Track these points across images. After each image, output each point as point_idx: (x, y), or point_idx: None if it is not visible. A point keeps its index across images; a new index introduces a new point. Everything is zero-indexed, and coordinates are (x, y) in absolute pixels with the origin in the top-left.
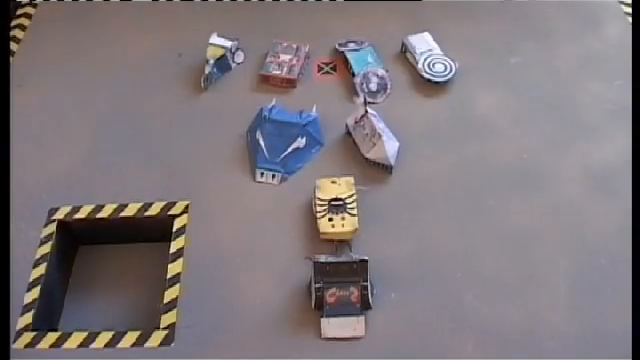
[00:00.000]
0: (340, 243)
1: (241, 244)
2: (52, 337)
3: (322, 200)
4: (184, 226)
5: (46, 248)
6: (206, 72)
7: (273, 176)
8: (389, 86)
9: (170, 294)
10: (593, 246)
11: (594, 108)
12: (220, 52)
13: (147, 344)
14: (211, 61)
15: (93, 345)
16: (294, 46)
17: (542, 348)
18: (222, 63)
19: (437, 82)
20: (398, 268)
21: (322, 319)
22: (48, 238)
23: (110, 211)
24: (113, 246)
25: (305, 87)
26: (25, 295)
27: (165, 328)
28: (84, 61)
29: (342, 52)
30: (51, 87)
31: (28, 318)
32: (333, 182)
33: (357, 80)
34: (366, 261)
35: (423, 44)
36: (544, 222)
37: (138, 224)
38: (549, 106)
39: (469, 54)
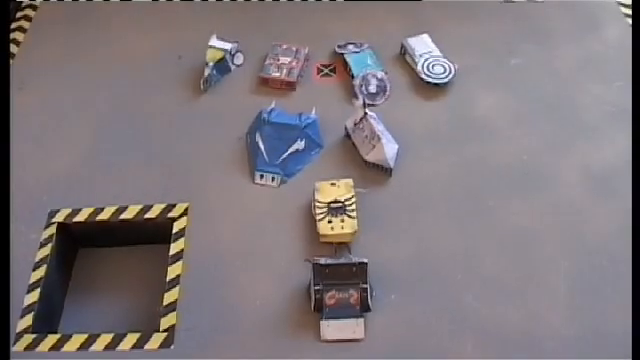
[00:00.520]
0: (339, 245)
1: (241, 246)
2: (52, 339)
3: (321, 202)
4: (184, 228)
5: (46, 250)
6: (205, 74)
7: (272, 178)
8: (388, 88)
9: (170, 296)
10: (593, 246)
11: (594, 109)
12: (220, 54)
13: (147, 346)
14: (210, 63)
15: (93, 347)
16: (293, 48)
17: (542, 349)
18: (222, 65)
19: (436, 84)
20: (398, 270)
21: (322, 321)
22: (48, 240)
23: (110, 213)
24: (113, 248)
25: (304, 89)
26: (25, 297)
27: (165, 330)
28: (84, 63)
29: (341, 54)
30: (51, 89)
31: (28, 320)
32: (332, 184)
33: (356, 82)
34: (365, 263)
35: (422, 46)
36: (544, 223)
37: (138, 226)
38: (549, 107)
39: (469, 55)
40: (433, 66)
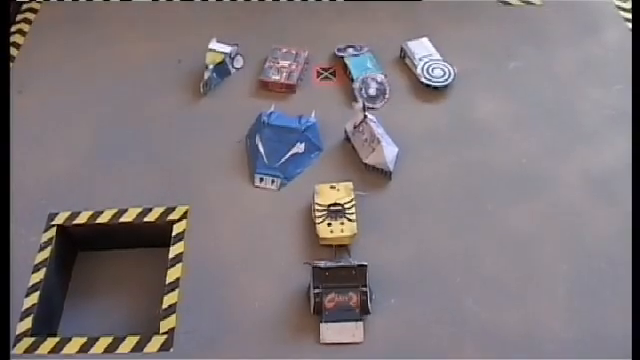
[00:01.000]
0: (339, 248)
1: (240, 249)
2: (51, 342)
3: (321, 205)
4: (183, 231)
5: (45, 253)
6: (205, 77)
7: (272, 181)
8: (388, 91)
9: (169, 299)
10: (592, 249)
11: (593, 112)
12: (219, 57)
13: (146, 349)
14: (210, 66)
15: (92, 350)
16: (293, 52)
17: (542, 351)
18: (221, 68)
19: (436, 87)
20: (397, 273)
21: (321, 324)
22: (47, 243)
23: (109, 216)
24: (112, 251)
25: (304, 92)
26: (24, 300)
27: (164, 333)
28: (84, 66)
29: (341, 57)
30: (51, 92)
31: (27, 323)
32: (332, 187)
33: (356, 85)
34: (365, 266)
35: (422, 49)
36: (543, 226)
37: (137, 229)
38: (548, 110)
39: (468, 59)
40: (433, 69)
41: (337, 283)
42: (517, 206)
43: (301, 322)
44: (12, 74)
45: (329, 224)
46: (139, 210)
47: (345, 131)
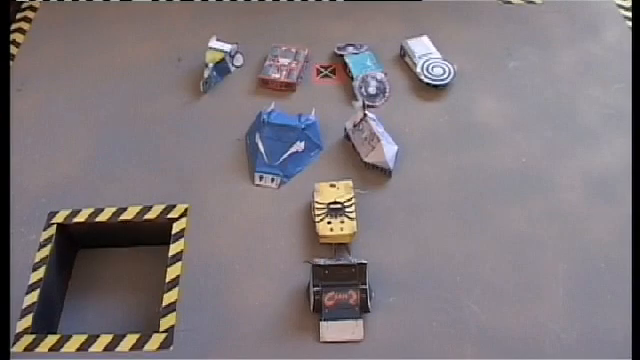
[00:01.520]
0: (339, 247)
1: (240, 247)
2: (51, 340)
3: (321, 204)
4: (183, 229)
5: (45, 251)
6: (205, 76)
7: (272, 180)
8: (388, 90)
9: (169, 297)
10: (592, 250)
11: (593, 113)
12: (219, 56)
13: (146, 347)
14: (210, 65)
15: (92, 348)
16: (293, 50)
17: (541, 352)
18: (221, 67)
19: (436, 86)
20: (397, 272)
21: (321, 322)
22: (47, 241)
23: (109, 214)
24: (112, 249)
25: (304, 91)
26: (24, 298)
27: (164, 331)
28: (84, 65)
29: (341, 56)
30: (51, 91)
31: (27, 321)
32: (332, 186)
33: (356, 84)
34: (365, 264)
35: (422, 48)
36: (543, 227)
37: (137, 227)
38: (548, 111)
39: (468, 58)
40: (433, 68)
41: (337, 281)
42: (517, 206)
43: (301, 320)
44: (12, 72)
45: (329, 222)
46: (139, 208)
47: (345, 129)
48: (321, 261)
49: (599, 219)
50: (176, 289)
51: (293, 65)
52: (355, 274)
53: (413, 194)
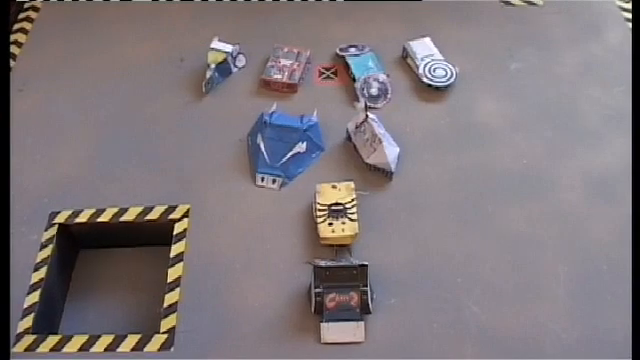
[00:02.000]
0: (340, 248)
1: (241, 248)
2: (52, 340)
3: (322, 205)
4: (184, 230)
5: (47, 252)
6: (207, 76)
7: (274, 181)
8: (390, 91)
9: (170, 298)
10: (593, 251)
11: (594, 114)
12: (221, 57)
13: (147, 348)
14: (212, 65)
15: (93, 349)
16: (295, 51)
17: (542, 353)
18: (223, 67)
19: (438, 87)
20: (398, 273)
21: (322, 324)
22: (49, 242)
23: (110, 215)
24: (113, 250)
25: (306, 92)
26: (26, 298)
27: (165, 332)
28: (86, 65)
29: (343, 57)
30: (53, 91)
31: (28, 321)
32: (333, 187)
33: (358, 85)
34: (366, 266)
35: (424, 49)
36: (544, 228)
37: (138, 228)
38: (549, 112)
39: (470, 59)
40: (434, 69)
41: (338, 283)
42: (518, 207)
43: (302, 322)
44: (14, 72)
45: (330, 224)
46: (140, 209)
47: (347, 131)
48: (322, 262)
49: (599, 219)
50: (177, 290)
51: (295, 66)
52: (356, 276)
53: (414, 195)
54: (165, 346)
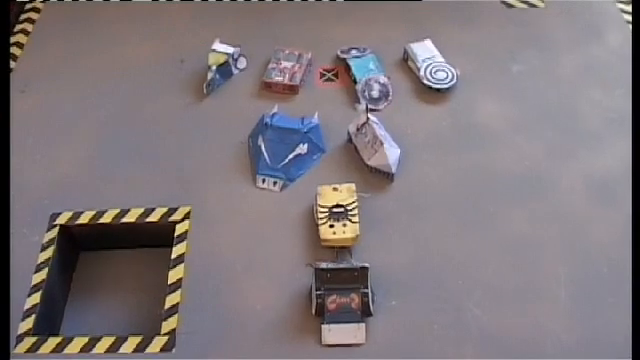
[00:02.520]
0: (341, 250)
1: (242, 250)
2: (53, 342)
3: (323, 207)
4: (185, 232)
5: (48, 253)
6: (208, 78)
7: (274, 182)
8: (391, 93)
9: (171, 300)
10: (593, 253)
11: (595, 116)
12: (222, 58)
13: (148, 350)
14: (213, 67)
15: (94, 350)
16: (296, 53)
17: (543, 354)
18: (224, 69)
19: (439, 89)
20: (399, 275)
21: (323, 326)
22: (50, 243)
23: (112, 217)
24: (114, 251)
25: (307, 94)
26: (27, 300)
27: (166, 334)
28: (87, 66)
29: (344, 59)
30: (54, 92)
31: (29, 323)
32: (334, 189)
33: (359, 87)
34: (367, 268)
35: (425, 51)
36: (545, 230)
37: (139, 230)
38: (550, 114)
39: (471, 61)
40: (435, 71)
41: (339, 285)
42: (519, 209)
43: (303, 323)
44: (15, 74)
45: (331, 225)
46: (141, 210)
47: (348, 132)
48: (323, 264)
49: (600, 221)
50: (178, 292)
51: (296, 68)
52: (357, 278)
53: (415, 197)
54: (166, 348)
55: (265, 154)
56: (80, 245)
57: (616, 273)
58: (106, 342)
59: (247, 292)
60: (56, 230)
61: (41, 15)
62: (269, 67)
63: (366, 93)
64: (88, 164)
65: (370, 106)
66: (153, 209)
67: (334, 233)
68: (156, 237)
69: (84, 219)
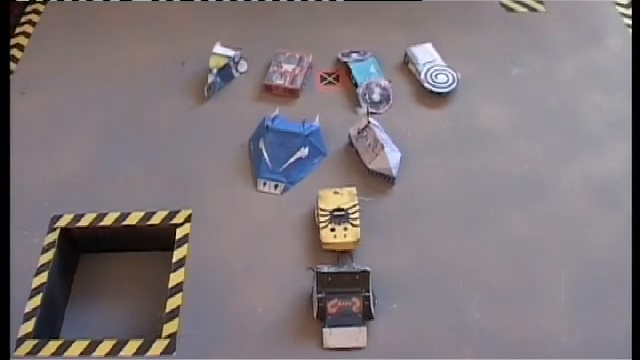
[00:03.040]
0: (342, 253)
1: (243, 254)
2: (54, 345)
3: (324, 210)
4: (186, 235)
5: (48, 256)
6: (209, 81)
7: (275, 186)
8: (392, 97)
9: (172, 303)
10: (594, 255)
11: (595, 119)
12: (223, 61)
13: (149, 353)
14: (214, 70)
15: (95, 353)
16: (297, 56)
17: (543, 357)
18: (225, 72)
19: (439, 93)
20: (400, 278)
21: (324, 329)
22: (50, 246)
23: (112, 219)
24: (115, 254)
25: (308, 97)
26: (27, 303)
27: (167, 337)
28: (88, 69)
29: (345, 62)
30: (55, 94)
31: (30, 326)
32: (335, 192)
33: (360, 91)
34: (368, 272)
35: (426, 55)
36: (545, 232)
37: (140, 233)
38: (551, 117)
39: (471, 65)
40: (436, 75)
41: (340, 288)
42: (519, 212)
43: (304, 327)
44: (16, 75)
45: (332, 229)
46: (142, 213)
47: (349, 136)
48: (325, 268)
49: (600, 224)
50: (179, 295)
51: (297, 71)
52: (358, 281)
53: (416, 200)
54: (167, 351)
55: (266, 157)
56: (81, 248)
57: (616, 275)
58: (107, 345)
59: (248, 295)
60: (57, 233)
61: (42, 17)
62: (270, 70)
63: (367, 96)
64: (89, 166)
65: (371, 109)
66: (154, 212)
67: (335, 237)
68: (157, 240)
69: (85, 222)
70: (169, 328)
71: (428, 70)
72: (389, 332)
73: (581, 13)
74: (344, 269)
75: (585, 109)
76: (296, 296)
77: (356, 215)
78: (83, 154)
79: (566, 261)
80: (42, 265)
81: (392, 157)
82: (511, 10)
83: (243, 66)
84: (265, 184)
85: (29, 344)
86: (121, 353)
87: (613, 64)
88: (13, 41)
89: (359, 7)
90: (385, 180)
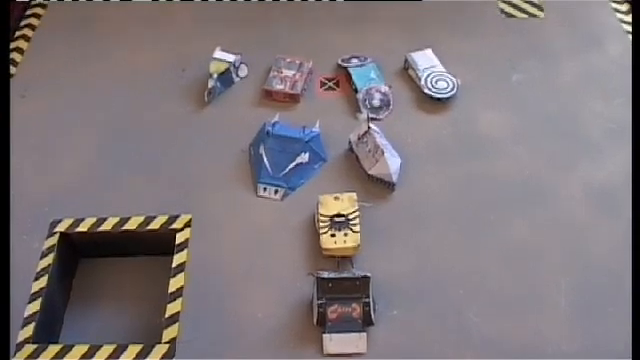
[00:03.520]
0: (342, 259)
1: (243, 259)
2: (53, 350)
3: (324, 216)
4: (186, 240)
5: (48, 260)
6: (210, 86)
7: (276, 191)
8: (392, 102)
9: (172, 308)
10: (594, 262)
11: (595, 126)
12: (223, 66)
13: (148, 358)
14: (214, 75)
15: (94, 358)
16: (297, 62)
17: None
18: (225, 77)
19: (439, 99)
20: (400, 284)
21: (324, 335)
22: (50, 250)
23: (112, 224)
24: (115, 259)
25: (308, 103)
26: (26, 307)
27: (167, 342)
28: (88, 73)
29: (345, 68)
30: (54, 98)
31: (29, 330)
32: (336, 198)
33: (360, 96)
34: (368, 277)
35: (426, 61)
36: (545, 238)
37: (140, 238)
38: (551, 123)
39: (471, 71)
40: (436, 81)
41: (340, 294)
42: (519, 217)
43: (304, 332)
44: (16, 79)
45: (333, 235)
46: (142, 218)
47: (349, 142)
48: (325, 274)
49: (600, 230)
50: (179, 300)
51: (297, 77)
52: (359, 287)
53: (416, 206)
54: (167, 356)
55: (266, 163)
56: (80, 252)
57: (616, 281)
58: (106, 350)
59: (248, 301)
60: (56, 237)
61: (42, 21)
62: (270, 75)
63: (367, 102)
64: (89, 171)
65: (371, 115)
66: (154, 217)
67: (335, 242)
68: (157, 245)
69: (84, 226)
70: (169, 333)
71: (428, 76)
72: (389, 338)
73: (581, 19)
74: (344, 275)
75: (585, 115)
76: (296, 302)
77: (356, 221)
78: (83, 158)
79: (566, 267)
80: (41, 269)
81: (392, 163)
82: (511, 16)
83: (243, 71)
84: (265, 189)
85: (28, 349)
86: (121, 358)
87: (613, 70)
88: (13, 44)
89: (359, 13)
90: (385, 186)
